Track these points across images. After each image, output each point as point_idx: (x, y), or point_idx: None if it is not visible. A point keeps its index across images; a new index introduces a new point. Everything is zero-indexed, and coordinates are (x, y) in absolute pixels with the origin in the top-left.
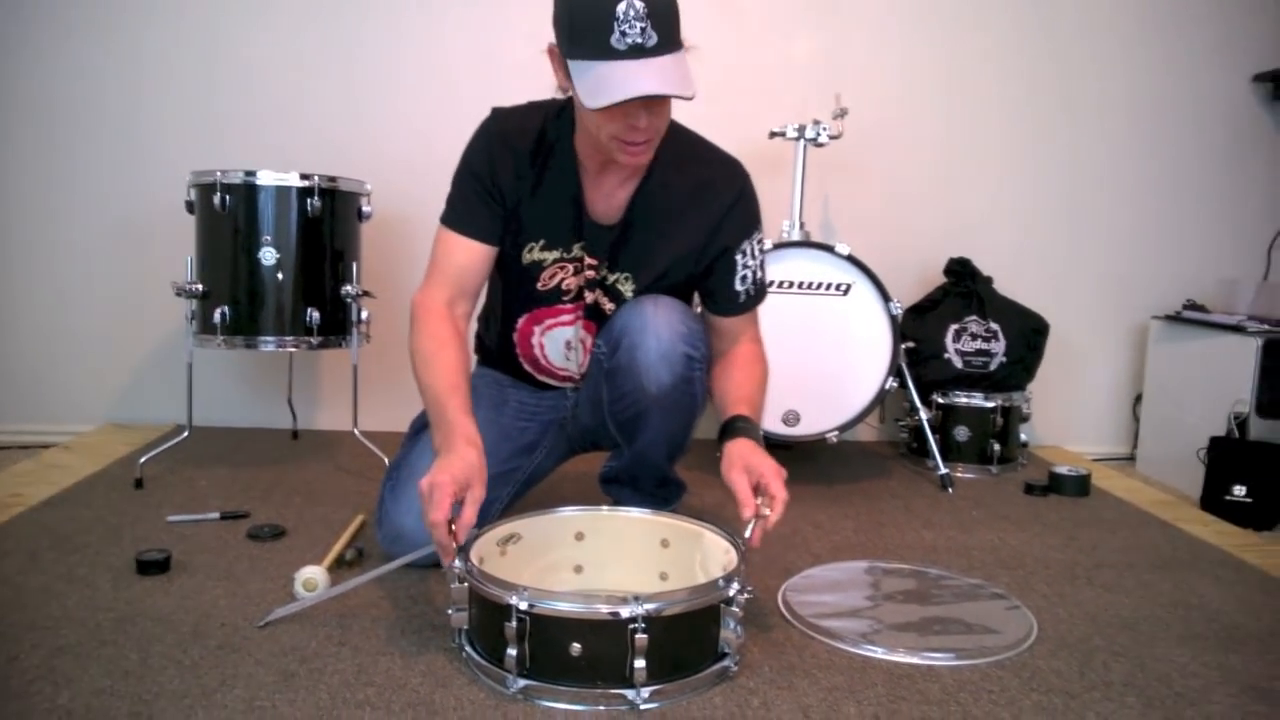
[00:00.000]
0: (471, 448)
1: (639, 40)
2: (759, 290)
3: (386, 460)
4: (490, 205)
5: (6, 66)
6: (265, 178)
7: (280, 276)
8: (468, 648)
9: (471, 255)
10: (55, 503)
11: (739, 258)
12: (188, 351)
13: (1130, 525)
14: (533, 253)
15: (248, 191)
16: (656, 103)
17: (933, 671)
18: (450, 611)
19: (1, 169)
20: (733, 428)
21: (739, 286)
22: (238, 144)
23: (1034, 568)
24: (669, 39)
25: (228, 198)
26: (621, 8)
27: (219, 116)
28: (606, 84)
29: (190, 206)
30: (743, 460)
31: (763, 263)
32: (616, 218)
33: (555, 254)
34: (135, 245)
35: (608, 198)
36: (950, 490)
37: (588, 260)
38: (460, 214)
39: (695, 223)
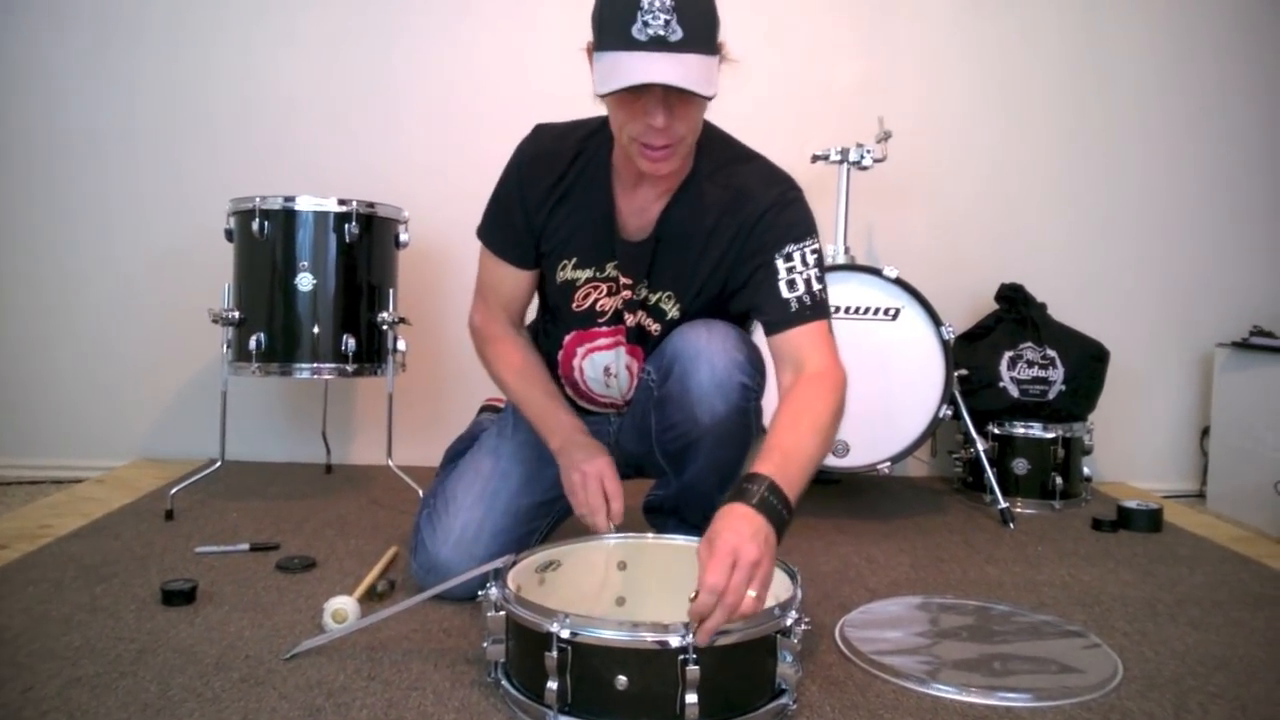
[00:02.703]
0: (593, 440)
1: (661, 33)
2: (816, 302)
3: (421, 493)
4: (519, 233)
5: (42, 99)
6: (304, 203)
7: (316, 303)
8: (505, 682)
9: (518, 280)
10: (84, 534)
11: (779, 262)
12: (223, 379)
13: (1210, 561)
14: (566, 271)
15: (286, 217)
16: (679, 105)
17: (1011, 713)
18: (486, 644)
19: (36, 204)
20: (739, 488)
21: (786, 294)
22: (274, 176)
23: (1110, 605)
24: (697, 37)
25: (266, 224)
26: None
27: (255, 148)
28: (619, 71)
29: (229, 235)
30: (710, 535)
31: (820, 275)
32: (648, 233)
33: (588, 273)
34: (171, 278)
35: (641, 213)
36: (1012, 526)
37: (623, 280)
38: (497, 238)
39: (729, 230)
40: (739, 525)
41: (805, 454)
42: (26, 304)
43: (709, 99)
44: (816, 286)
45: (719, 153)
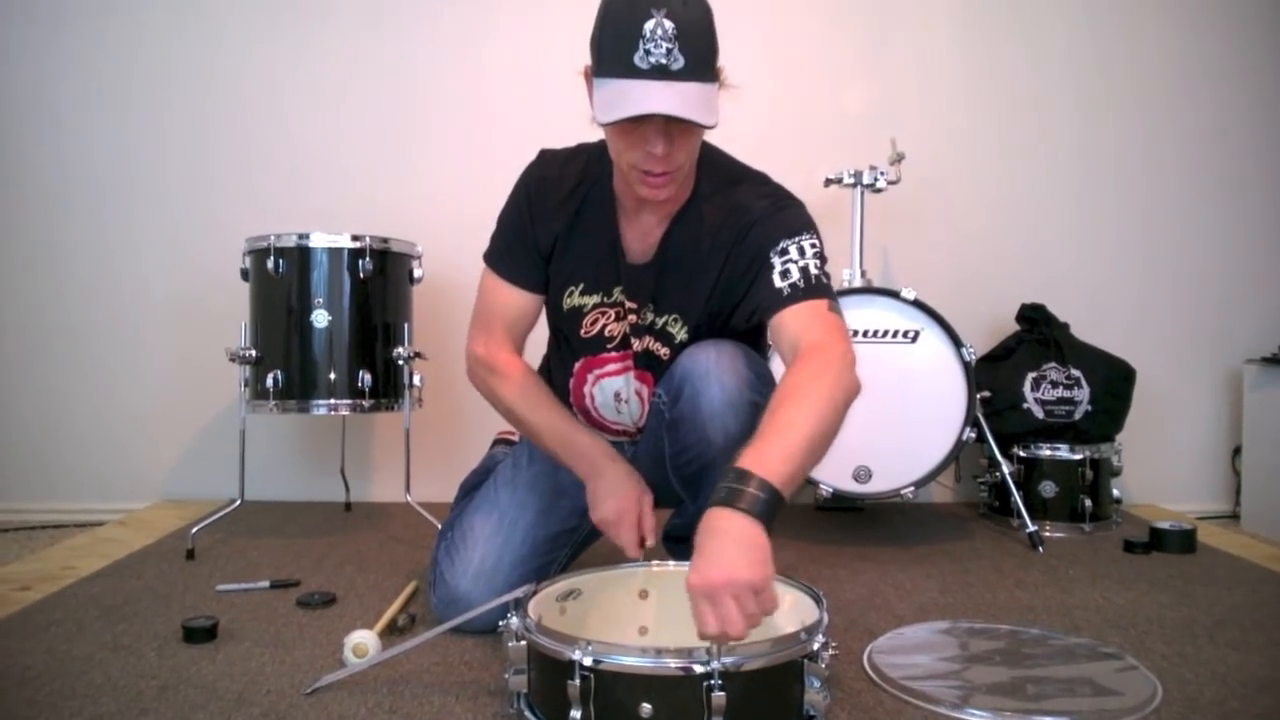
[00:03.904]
0: (619, 462)
1: (663, 61)
2: (811, 284)
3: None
4: (530, 255)
5: (58, 144)
6: (318, 240)
7: (332, 339)
8: (527, 713)
9: (524, 304)
10: (106, 574)
11: (774, 258)
12: (241, 418)
13: (1248, 582)
14: (573, 298)
15: (300, 254)
16: (679, 133)
17: None
18: (508, 675)
19: (50, 249)
20: (719, 487)
21: (779, 283)
22: (289, 215)
23: (1147, 627)
24: (698, 66)
25: (281, 261)
26: (650, 26)
27: (268, 187)
28: (621, 100)
29: (245, 274)
30: (694, 562)
31: (819, 265)
32: (651, 256)
33: (595, 299)
34: (187, 319)
35: (644, 237)
36: (1041, 549)
37: (628, 304)
38: (506, 262)
39: (726, 244)
40: (712, 547)
41: (795, 431)
42: (46, 350)
43: (710, 128)
44: (814, 272)
45: (719, 174)
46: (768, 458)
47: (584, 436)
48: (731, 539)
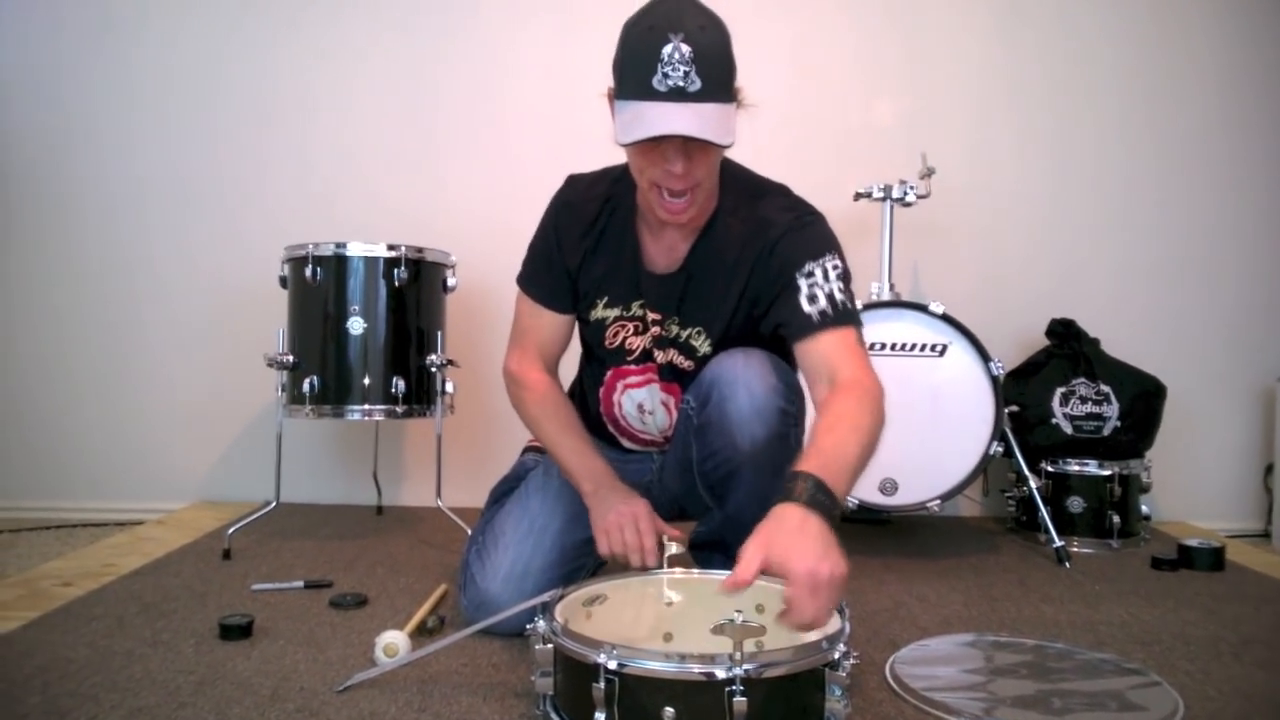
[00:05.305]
0: (619, 484)
1: (680, 84)
2: (840, 311)
3: (470, 533)
4: (558, 279)
5: (102, 152)
6: (355, 249)
7: (367, 346)
8: (553, 715)
9: (555, 324)
10: (145, 572)
11: (800, 280)
12: (277, 422)
13: (1277, 600)
14: (597, 310)
15: (338, 263)
16: (698, 152)
17: None
18: (534, 677)
19: (93, 255)
20: (784, 488)
21: (807, 307)
22: (326, 223)
23: (1171, 644)
24: (714, 87)
25: (319, 270)
26: (667, 50)
27: (307, 195)
28: (640, 121)
29: (284, 281)
30: (767, 535)
31: (844, 288)
32: (675, 270)
33: (616, 311)
34: (228, 326)
35: (669, 252)
36: (1067, 565)
37: (650, 317)
38: (536, 284)
39: (750, 259)
40: (807, 539)
41: (846, 453)
42: (89, 353)
43: (726, 147)
44: (840, 297)
45: (741, 189)
46: (829, 470)
47: (591, 458)
48: (826, 537)
